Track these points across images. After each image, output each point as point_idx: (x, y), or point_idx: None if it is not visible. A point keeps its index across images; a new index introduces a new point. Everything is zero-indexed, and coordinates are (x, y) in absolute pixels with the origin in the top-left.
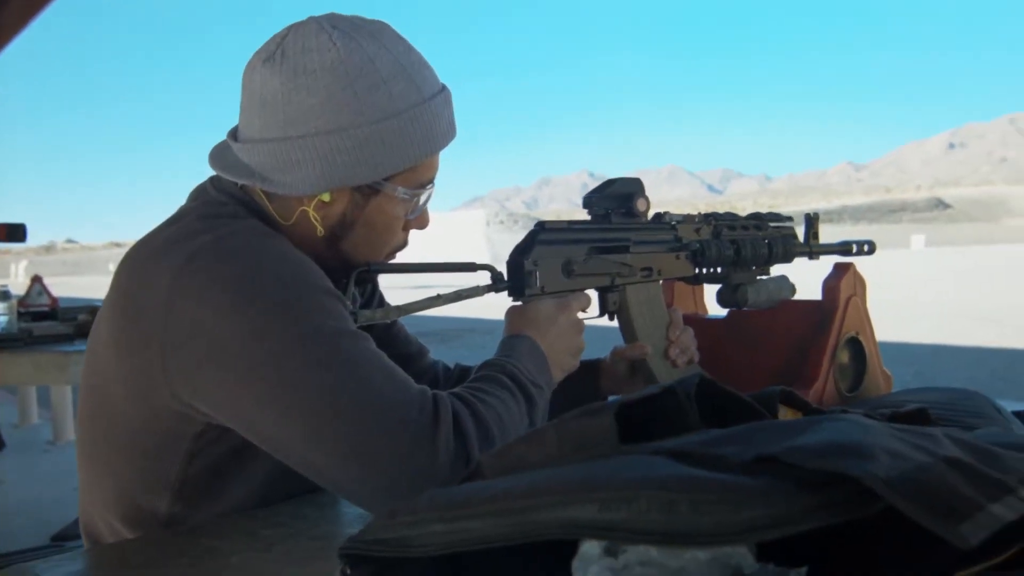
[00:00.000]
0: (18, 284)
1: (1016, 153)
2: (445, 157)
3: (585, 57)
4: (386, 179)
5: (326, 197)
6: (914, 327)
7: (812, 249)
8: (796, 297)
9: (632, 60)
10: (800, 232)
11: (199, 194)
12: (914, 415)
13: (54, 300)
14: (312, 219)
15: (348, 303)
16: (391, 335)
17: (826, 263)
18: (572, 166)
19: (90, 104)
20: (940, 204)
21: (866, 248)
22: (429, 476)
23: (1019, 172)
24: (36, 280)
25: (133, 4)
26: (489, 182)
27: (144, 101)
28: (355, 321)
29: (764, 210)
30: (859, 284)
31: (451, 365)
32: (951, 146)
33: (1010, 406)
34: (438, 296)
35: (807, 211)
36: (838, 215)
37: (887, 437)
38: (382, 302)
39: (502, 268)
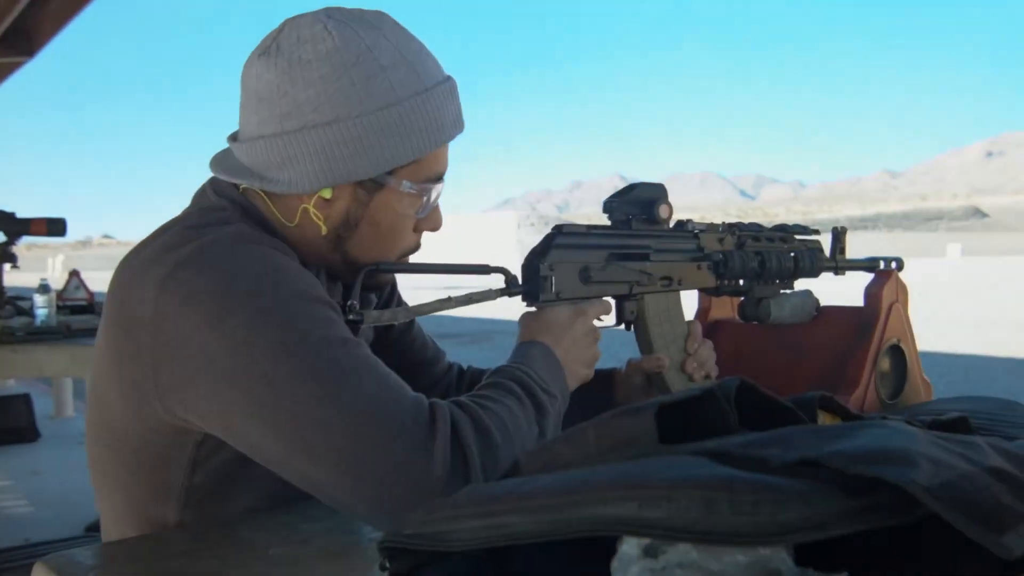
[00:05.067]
0: (55, 278)
1: None
2: (478, 158)
3: (619, 60)
4: (390, 173)
5: (327, 194)
6: (950, 337)
7: (838, 264)
8: (836, 303)
9: (667, 64)
10: (827, 246)
11: (198, 198)
12: (954, 423)
13: (91, 294)
14: (314, 218)
15: (356, 305)
16: (408, 340)
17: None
18: (605, 170)
19: (127, 99)
20: (977, 213)
21: (893, 265)
22: (425, 487)
23: None
24: (74, 274)
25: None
26: (523, 184)
27: (181, 97)
28: (361, 322)
29: (798, 217)
30: (901, 291)
31: (465, 368)
32: (989, 155)
33: None
34: (449, 298)
35: (842, 217)
36: (873, 223)
37: (929, 444)
38: (400, 305)
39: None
